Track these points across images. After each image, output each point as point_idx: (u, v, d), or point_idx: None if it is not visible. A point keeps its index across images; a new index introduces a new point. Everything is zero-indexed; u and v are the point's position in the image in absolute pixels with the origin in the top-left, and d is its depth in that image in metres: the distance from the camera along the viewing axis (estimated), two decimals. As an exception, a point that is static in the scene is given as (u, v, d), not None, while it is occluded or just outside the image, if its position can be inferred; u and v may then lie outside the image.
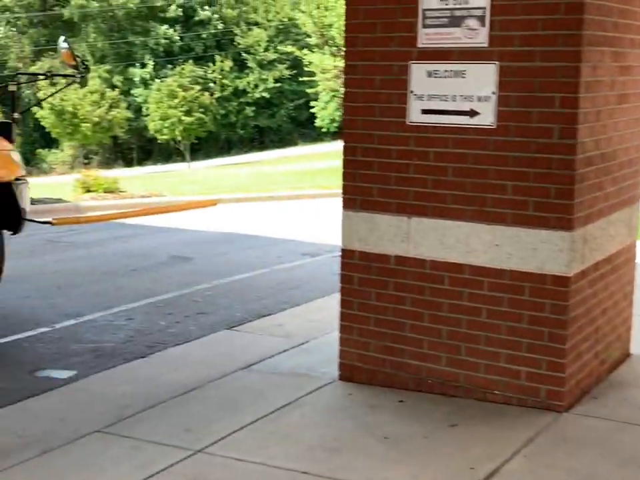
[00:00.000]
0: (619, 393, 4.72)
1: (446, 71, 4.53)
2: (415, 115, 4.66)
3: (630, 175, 5.08)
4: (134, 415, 4.52)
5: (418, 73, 4.61)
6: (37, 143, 46.10)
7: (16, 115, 6.49)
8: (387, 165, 4.79)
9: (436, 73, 4.56)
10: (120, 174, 23.85)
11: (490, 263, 4.56)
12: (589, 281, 4.63)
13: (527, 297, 4.48)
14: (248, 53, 46.25)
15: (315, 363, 5.36)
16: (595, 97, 4.41)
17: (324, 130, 39.23)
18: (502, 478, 3.75)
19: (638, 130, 5.12)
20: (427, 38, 4.54)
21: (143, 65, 46.79)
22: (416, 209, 4.73)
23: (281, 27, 46.21)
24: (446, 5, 4.46)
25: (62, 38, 6.57)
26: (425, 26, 4.54)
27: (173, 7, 47.51)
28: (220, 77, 45.05)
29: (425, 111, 4.64)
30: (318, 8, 27.85)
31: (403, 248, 4.80)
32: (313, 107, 38.96)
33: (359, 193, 4.91)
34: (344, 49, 4.96)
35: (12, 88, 6.46)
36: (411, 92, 4.64)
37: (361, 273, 4.95)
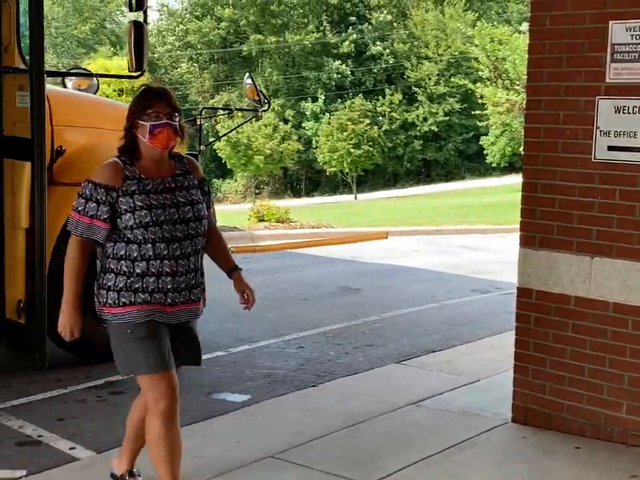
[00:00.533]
0: None
1: (635, 107, 4.36)
2: (600, 152, 4.51)
3: None
4: (305, 442, 4.59)
5: (605, 108, 4.46)
6: (213, 173, 48.24)
7: (202, 147, 6.84)
8: (569, 203, 4.66)
9: (624, 109, 4.40)
10: (289, 204, 24.50)
11: (679, 308, 4.32)
12: None
13: None
14: (418, 86, 46.45)
15: (486, 402, 5.25)
16: None
17: (493, 165, 38.66)
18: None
19: None
20: (615, 73, 4.40)
21: (315, 99, 48.02)
22: (599, 249, 4.57)
23: (452, 60, 46.14)
24: (637, 39, 4.30)
25: (247, 74, 6.87)
26: (614, 60, 4.40)
27: (346, 43, 48.58)
28: (389, 110, 45.48)
29: (612, 148, 4.48)
30: (492, 41, 27.63)
31: (583, 289, 4.63)
32: (482, 141, 38.52)
33: (538, 231, 4.80)
34: (525, 83, 4.88)
35: (199, 121, 6.82)
36: (597, 128, 4.50)
37: (538, 313, 4.82)
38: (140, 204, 3.52)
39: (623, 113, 4.41)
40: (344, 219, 18.82)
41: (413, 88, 46.79)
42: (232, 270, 3.90)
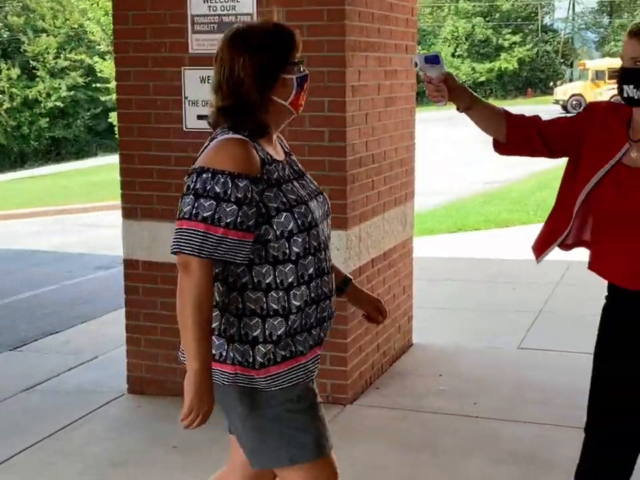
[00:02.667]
0: (399, 382, 4.94)
1: (219, 76, 4.55)
2: (190, 121, 4.65)
3: (401, 174, 5.33)
4: None
5: (191, 78, 4.60)
6: None
7: None
8: (166, 172, 4.75)
9: (209, 79, 4.57)
10: None
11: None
12: (367, 277, 4.81)
13: (308, 296, 4.58)
14: (37, 60, 44.33)
15: (103, 378, 5.22)
16: (361, 100, 4.59)
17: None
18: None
19: (407, 131, 5.39)
20: (197, 43, 4.55)
21: None
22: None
23: (71, 33, 44.64)
24: (214, 11, 4.48)
25: None
26: (195, 32, 4.54)
27: (-47, 14, 44.77)
28: (8, 86, 42.88)
29: (201, 117, 4.63)
30: (106, 14, 27.21)
31: (186, 255, 4.76)
32: (111, 117, 37.97)
33: (139, 202, 4.84)
34: (113, 54, 4.86)
35: None
36: (186, 98, 4.63)
37: (146, 283, 4.87)
38: (293, 197, 2.35)
39: (208, 82, 4.58)
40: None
41: (32, 62, 44.58)
42: (345, 281, 2.69)
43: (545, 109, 33.96)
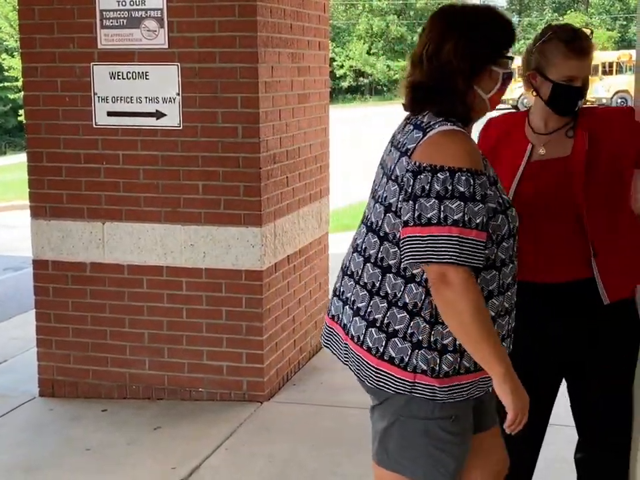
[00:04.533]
0: (316, 377, 4.96)
1: (129, 72, 4.48)
2: (100, 118, 4.56)
3: (316, 170, 5.35)
4: None
5: (101, 74, 4.51)
6: None
7: None
8: (76, 170, 4.65)
9: (119, 75, 4.50)
10: None
11: (186, 263, 4.59)
12: (282, 273, 4.81)
13: (223, 294, 4.57)
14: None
15: (14, 382, 5.08)
16: (274, 96, 4.59)
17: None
18: (203, 473, 3.79)
19: (321, 128, 5.41)
20: (106, 39, 4.46)
21: None
22: (109, 214, 4.64)
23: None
24: (123, 5, 4.41)
25: None
26: (103, 27, 4.46)
27: None
28: None
29: (111, 113, 4.56)
30: (14, 10, 26.44)
31: (98, 254, 4.68)
32: (21, 114, 36.94)
33: (48, 200, 4.72)
34: (20, 49, 4.73)
35: None
36: (95, 94, 4.54)
37: (56, 283, 4.76)
38: (505, 197, 2.21)
39: (118, 78, 4.51)
40: None
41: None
42: None
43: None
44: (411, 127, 2.15)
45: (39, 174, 4.72)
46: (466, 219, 2.00)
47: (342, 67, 46.61)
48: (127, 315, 4.69)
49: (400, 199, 2.10)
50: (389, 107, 37.36)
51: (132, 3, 4.39)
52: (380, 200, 2.18)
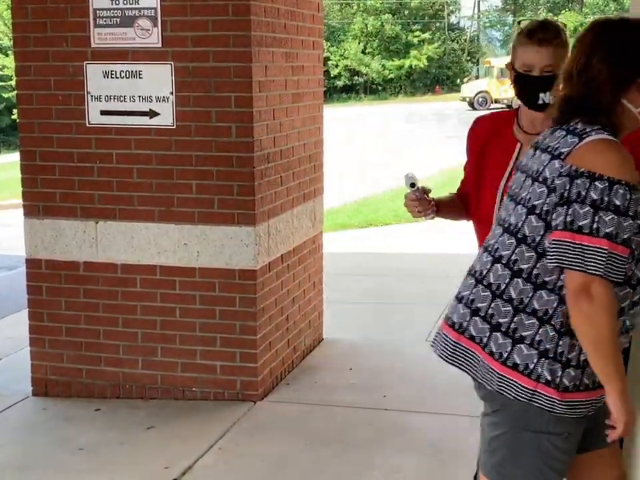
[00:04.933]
0: (310, 377, 4.96)
1: (122, 71, 4.48)
2: (93, 117, 4.55)
3: (310, 169, 5.35)
4: None
5: (94, 73, 4.51)
6: None
7: None
8: (69, 169, 4.64)
9: (112, 74, 4.49)
10: None
11: (180, 262, 4.59)
12: (276, 273, 4.81)
13: (217, 293, 4.56)
14: None
15: (7, 381, 5.08)
16: (268, 95, 4.59)
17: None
18: (196, 473, 3.79)
19: (315, 127, 5.41)
20: (99, 38, 4.46)
21: None
22: (103, 213, 4.64)
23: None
24: (117, 4, 4.40)
25: None
26: (97, 26, 4.45)
27: None
28: None
29: (104, 112, 4.55)
30: (8, 9, 26.36)
31: (91, 253, 4.67)
32: (15, 114, 36.86)
33: (41, 199, 4.72)
34: (13, 48, 4.72)
35: None
36: (88, 93, 4.54)
37: (49, 282, 4.76)
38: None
39: (112, 77, 4.50)
40: None
41: None
42: None
43: (453, 105, 34.69)
44: (563, 133, 2.14)
45: (32, 173, 4.71)
46: (615, 232, 2.01)
47: (337, 66, 46.59)
48: (120, 314, 4.68)
49: (547, 201, 2.10)
50: (384, 106, 37.46)
51: (125, 1, 4.38)
52: (522, 202, 2.17)
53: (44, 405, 4.67)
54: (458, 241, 8.62)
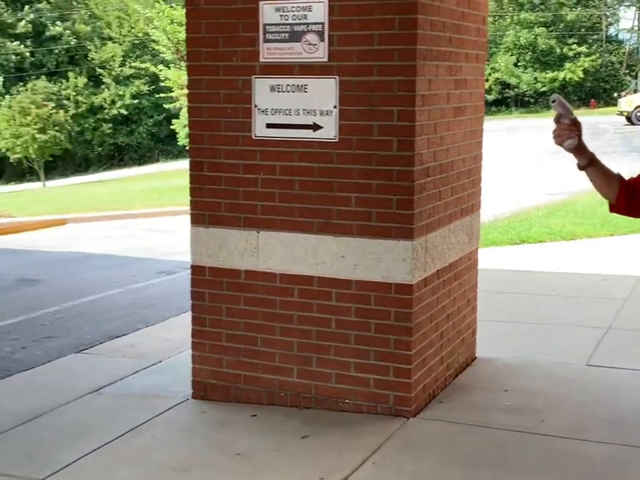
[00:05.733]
0: (463, 396, 4.87)
1: (288, 85, 4.57)
2: (259, 130, 4.67)
3: (469, 184, 5.27)
4: (-28, 446, 4.29)
5: (261, 87, 4.62)
6: None
7: None
8: (234, 180, 4.78)
9: (279, 87, 4.59)
10: (-32, 195, 22.75)
11: (337, 274, 4.62)
12: (432, 288, 4.77)
13: (373, 306, 4.57)
14: (103, 68, 45.25)
15: (168, 382, 5.26)
16: (431, 109, 4.56)
17: (187, 147, 38.85)
18: (351, 486, 3.79)
19: (475, 141, 5.33)
20: (268, 52, 4.57)
21: (-7, 81, 44.94)
22: (264, 223, 4.74)
23: (136, 41, 45.47)
24: (286, 20, 4.50)
25: None
26: (266, 40, 4.57)
27: (22, 23, 45.94)
28: (74, 93, 43.83)
29: (270, 125, 4.66)
30: (172, 23, 27.53)
31: (252, 262, 4.79)
32: (174, 124, 38.51)
33: (207, 208, 4.88)
34: (186, 62, 4.91)
35: None
36: (255, 106, 4.66)
37: (211, 289, 4.91)
38: None
39: (278, 91, 4.60)
40: (29, 207, 17.86)
41: (98, 70, 45.49)
42: None
43: (608, 120, 33.38)
44: None
45: (200, 183, 4.88)
46: None
47: (487, 80, 45.94)
48: (278, 322, 4.77)
49: None
50: (535, 120, 36.52)
51: (294, 17, 4.47)
52: None
53: (203, 408, 4.81)
54: (618, 263, 8.27)
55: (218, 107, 4.77)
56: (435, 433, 4.38)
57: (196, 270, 4.96)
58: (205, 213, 4.89)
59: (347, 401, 4.66)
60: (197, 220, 4.92)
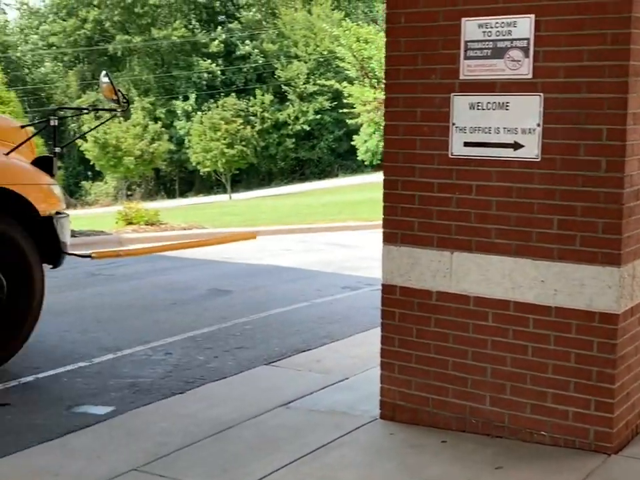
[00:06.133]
0: (671, 435, 4.52)
1: (489, 102, 4.44)
2: (456, 148, 4.57)
3: (680, 208, 4.91)
4: (171, 453, 4.44)
5: (460, 105, 4.52)
6: (81, 175, 46.83)
7: (57, 149, 6.53)
8: (428, 199, 4.70)
9: (478, 105, 4.48)
10: (162, 206, 24.08)
11: (535, 300, 4.43)
12: (638, 318, 4.47)
13: (573, 335, 4.33)
14: (288, 85, 46.67)
15: (354, 400, 5.24)
16: (644, 128, 4.28)
17: (365, 162, 39.33)
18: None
19: (688, 162, 4.96)
20: (468, 69, 4.47)
21: (186, 98, 47.45)
22: (459, 244, 4.63)
23: (321, 59, 46.58)
24: (489, 36, 4.38)
25: (103, 72, 6.61)
26: (467, 57, 4.47)
27: (216, 42, 48.27)
28: (260, 109, 45.49)
29: (467, 144, 4.55)
30: (357, 41, 27.98)
31: (445, 283, 4.68)
32: (355, 140, 39.09)
33: (400, 227, 4.82)
34: (384, 81, 4.89)
35: (53, 122, 6.50)
36: (453, 124, 4.56)
37: (402, 309, 4.85)
38: None
39: (477, 109, 4.48)
40: (217, 219, 18.62)
41: (283, 87, 46.98)
42: None
43: None
44: None
45: (393, 201, 4.84)
46: None
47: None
48: (470, 347, 4.63)
49: None
50: None
51: (498, 33, 4.34)
52: None
53: (391, 430, 4.74)
54: None
55: (414, 125, 4.71)
56: (638, 474, 4.08)
57: (387, 289, 4.91)
58: (397, 231, 4.84)
59: (542, 432, 4.44)
60: (389, 238, 4.88)
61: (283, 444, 4.55)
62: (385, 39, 4.84)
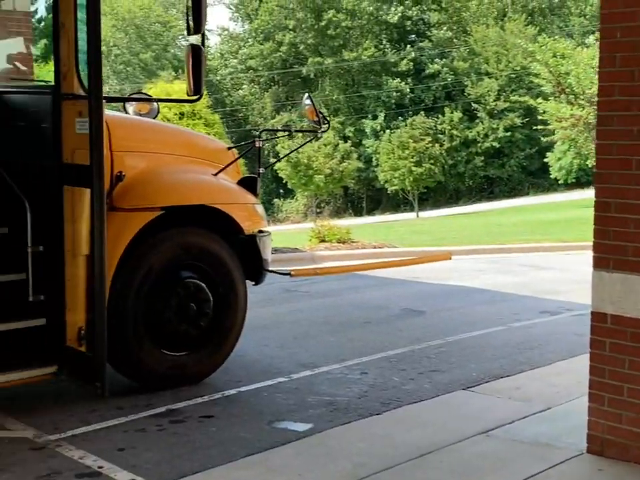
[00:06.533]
0: None
1: None
2: (674, 168, 4.27)
3: None
4: (370, 475, 4.43)
5: (682, 122, 4.23)
6: (274, 193, 48.51)
7: (261, 170, 6.76)
8: (643, 222, 4.43)
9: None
10: (350, 223, 24.41)
11: None
12: None
13: None
14: (478, 102, 46.09)
15: (558, 432, 5.01)
16: None
17: (559, 180, 38.07)
18: None
19: None
20: None
21: (375, 117, 48.02)
22: (678, 271, 4.32)
23: (512, 76, 45.67)
24: None
25: (306, 95, 6.76)
26: None
27: (405, 61, 48.58)
28: (449, 127, 45.20)
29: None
30: (554, 56, 27.17)
31: (662, 313, 4.38)
32: (548, 157, 37.93)
33: (612, 252, 4.57)
34: (597, 98, 4.67)
35: (258, 144, 6.73)
36: (671, 143, 4.27)
37: (613, 338, 4.58)
38: None
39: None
40: (407, 237, 18.61)
41: (473, 104, 46.44)
42: None
43: None
44: None
45: (605, 224, 4.59)
46: None
47: None
48: (690, 382, 4.30)
49: None
50: None
51: None
52: None
53: (600, 465, 4.49)
54: None
55: (630, 144, 4.45)
56: None
57: (596, 317, 4.66)
58: (609, 256, 4.59)
59: None
60: (600, 263, 4.63)
61: (483, 474, 4.42)
62: (598, 54, 4.62)
